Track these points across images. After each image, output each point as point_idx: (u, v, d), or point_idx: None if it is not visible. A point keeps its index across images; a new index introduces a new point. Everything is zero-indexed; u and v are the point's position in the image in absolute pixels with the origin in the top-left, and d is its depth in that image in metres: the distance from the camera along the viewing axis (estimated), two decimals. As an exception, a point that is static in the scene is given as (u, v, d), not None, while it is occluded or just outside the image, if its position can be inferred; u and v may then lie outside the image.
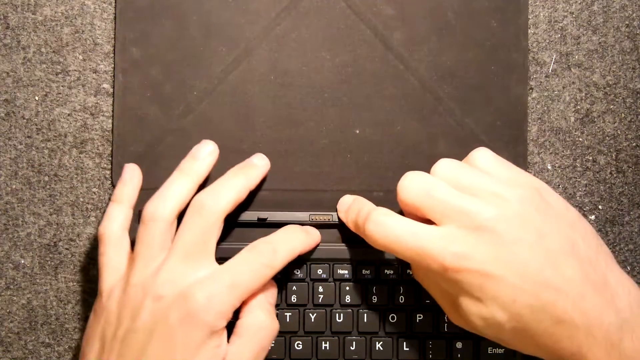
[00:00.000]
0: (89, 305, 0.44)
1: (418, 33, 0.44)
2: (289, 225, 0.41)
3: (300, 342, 0.42)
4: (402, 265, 0.43)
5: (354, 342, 0.42)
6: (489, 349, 0.42)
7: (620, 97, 0.45)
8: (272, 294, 0.40)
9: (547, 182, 0.45)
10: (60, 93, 0.44)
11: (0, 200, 0.44)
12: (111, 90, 0.44)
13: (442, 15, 0.44)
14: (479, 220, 0.35)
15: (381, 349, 0.42)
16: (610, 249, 0.40)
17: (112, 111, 0.44)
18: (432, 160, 0.38)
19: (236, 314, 0.38)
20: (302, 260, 0.42)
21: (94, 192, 0.44)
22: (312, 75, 0.44)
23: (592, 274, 0.34)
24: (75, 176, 0.44)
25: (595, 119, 0.45)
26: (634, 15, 0.45)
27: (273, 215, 0.42)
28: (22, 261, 0.44)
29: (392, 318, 0.42)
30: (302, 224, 0.42)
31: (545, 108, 0.45)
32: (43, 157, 0.44)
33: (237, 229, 0.43)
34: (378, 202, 0.44)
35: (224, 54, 0.44)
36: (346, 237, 0.42)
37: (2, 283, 0.44)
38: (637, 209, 0.45)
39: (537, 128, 0.45)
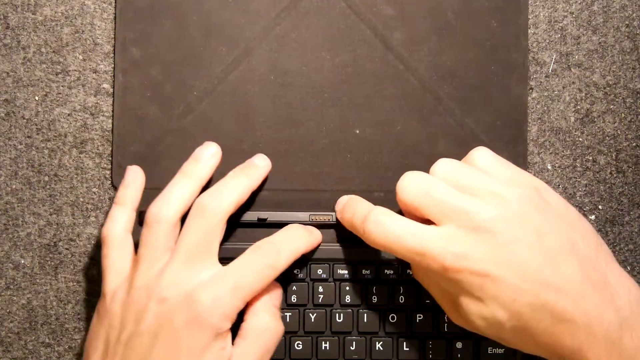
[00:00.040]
0: (89, 305, 0.44)
1: (418, 33, 0.44)
2: (291, 225, 0.41)
3: (300, 342, 0.42)
4: (402, 265, 0.43)
5: (354, 342, 0.42)
6: (489, 349, 0.42)
7: (620, 97, 0.45)
8: (277, 295, 0.40)
9: (547, 182, 0.45)
10: (60, 93, 0.44)
11: (0, 200, 0.44)
12: (111, 90, 0.44)
13: (442, 15, 0.44)
14: (479, 220, 0.35)
15: (381, 349, 0.42)
16: (610, 248, 0.40)
17: (112, 111, 0.44)
18: (432, 160, 0.38)
19: (240, 316, 0.38)
20: (302, 260, 0.42)
21: (94, 192, 0.44)
22: (312, 75, 0.44)
23: (592, 273, 0.34)
24: (75, 176, 0.44)
25: (595, 119, 0.45)
26: (634, 15, 0.45)
27: (273, 216, 0.42)
28: (22, 261, 0.44)
29: (392, 318, 0.42)
30: (302, 224, 0.42)
31: (545, 108, 0.45)
32: (43, 157, 0.44)
33: (237, 229, 0.43)
34: (378, 202, 0.44)
35: (224, 54, 0.44)
36: (346, 237, 0.42)
37: (2, 283, 0.44)
38: (637, 209, 0.45)
39: (537, 128, 0.45)
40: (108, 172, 0.44)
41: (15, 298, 0.44)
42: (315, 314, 0.42)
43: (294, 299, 0.42)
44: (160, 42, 0.44)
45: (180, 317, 0.36)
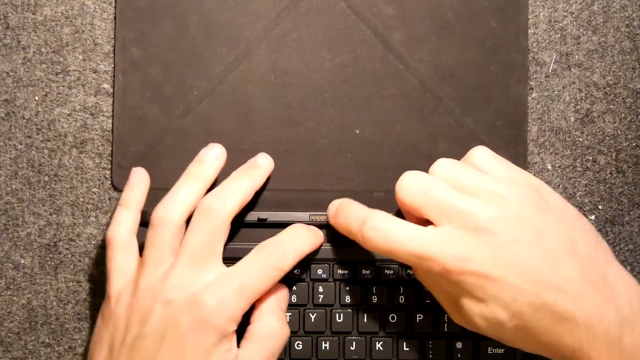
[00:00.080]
0: (89, 305, 0.44)
1: (418, 33, 0.44)
2: (295, 225, 0.41)
3: (300, 342, 0.42)
4: (402, 266, 0.43)
5: (354, 342, 0.42)
6: (489, 349, 0.42)
7: (620, 97, 0.45)
8: (283, 298, 0.40)
9: (547, 182, 0.45)
10: (60, 93, 0.44)
11: (0, 200, 0.44)
12: (111, 90, 0.44)
13: (442, 15, 0.44)
14: (478, 220, 0.35)
15: (381, 349, 0.42)
16: (610, 248, 0.40)
17: (112, 111, 0.44)
18: (432, 160, 0.38)
19: (245, 317, 0.38)
20: (303, 260, 0.42)
21: (94, 192, 0.44)
22: (312, 75, 0.44)
23: (592, 271, 0.34)
24: (75, 176, 0.44)
25: (595, 119, 0.45)
26: (634, 15, 0.45)
27: (273, 216, 0.42)
28: (22, 261, 0.44)
29: (392, 318, 0.42)
30: (302, 224, 0.42)
31: (545, 108, 0.45)
32: (43, 157, 0.44)
33: (237, 229, 0.43)
34: (378, 202, 0.44)
35: (224, 54, 0.44)
36: (346, 237, 0.42)
37: (2, 283, 0.44)
38: (637, 209, 0.45)
39: (537, 128, 0.45)
40: (108, 172, 0.44)
41: (15, 298, 0.44)
42: (315, 314, 0.42)
43: (294, 299, 0.42)
44: (160, 42, 0.44)
45: (185, 319, 0.36)
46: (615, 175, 0.45)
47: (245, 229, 0.43)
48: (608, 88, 0.45)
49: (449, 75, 0.44)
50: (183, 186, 0.40)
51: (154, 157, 0.44)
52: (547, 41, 0.45)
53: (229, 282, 0.37)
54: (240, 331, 0.38)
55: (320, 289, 0.42)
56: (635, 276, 0.45)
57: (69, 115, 0.44)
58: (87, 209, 0.44)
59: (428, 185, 0.36)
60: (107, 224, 0.44)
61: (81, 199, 0.44)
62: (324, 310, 0.42)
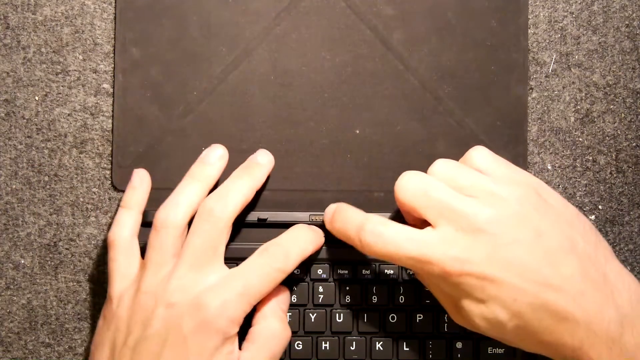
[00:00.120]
0: (89, 305, 0.44)
1: (418, 33, 0.44)
2: (298, 226, 0.41)
3: (300, 342, 0.42)
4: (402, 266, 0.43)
5: (354, 342, 0.42)
6: (489, 349, 0.42)
7: (620, 97, 0.45)
8: (284, 300, 0.40)
9: (547, 182, 0.45)
10: (60, 93, 0.44)
11: (0, 200, 0.44)
12: (111, 90, 0.44)
13: (442, 15, 0.44)
14: (476, 221, 0.35)
15: (381, 349, 0.42)
16: (610, 247, 0.40)
17: (112, 111, 0.44)
18: (432, 160, 0.38)
19: (246, 318, 0.38)
20: (304, 261, 0.42)
21: (94, 192, 0.44)
22: (312, 75, 0.44)
23: (592, 270, 0.34)
24: (75, 176, 0.44)
25: (595, 119, 0.45)
26: (634, 15, 0.45)
27: (273, 216, 0.42)
28: (22, 261, 0.44)
29: (392, 318, 0.42)
30: (302, 224, 0.42)
31: (545, 108, 0.45)
32: (43, 157, 0.44)
33: (237, 229, 0.43)
34: (378, 203, 0.44)
35: (224, 54, 0.44)
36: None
37: (2, 283, 0.44)
38: (637, 209, 0.45)
39: (537, 128, 0.45)
40: (108, 172, 0.44)
41: (15, 298, 0.44)
42: (315, 314, 0.42)
43: (294, 299, 0.42)
44: (160, 42, 0.44)
45: (188, 322, 0.36)
46: (615, 175, 0.45)
47: (246, 229, 0.43)
48: (608, 88, 0.45)
49: (449, 75, 0.44)
50: (185, 188, 0.40)
51: (154, 157, 0.44)
52: (547, 41, 0.45)
53: (232, 285, 0.37)
54: (242, 333, 0.38)
55: (320, 289, 0.42)
56: (635, 276, 0.45)
57: (69, 115, 0.44)
58: (87, 209, 0.44)
59: (427, 186, 0.36)
60: (108, 224, 0.44)
61: (81, 199, 0.44)
62: (324, 310, 0.42)
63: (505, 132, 0.44)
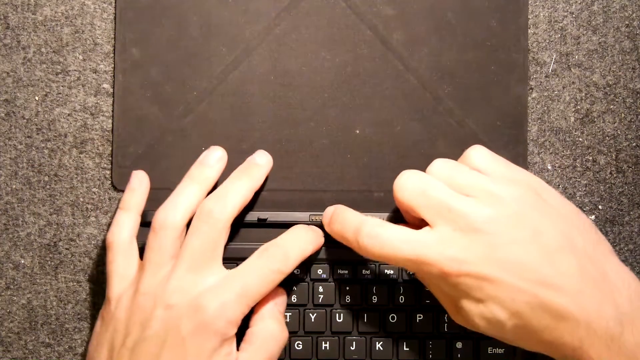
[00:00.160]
0: (89, 305, 0.44)
1: (418, 33, 0.44)
2: (297, 226, 0.41)
3: (300, 342, 0.42)
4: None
5: (354, 342, 0.42)
6: (489, 349, 0.42)
7: (620, 97, 0.45)
8: (282, 301, 0.40)
9: (547, 182, 0.45)
10: (60, 93, 0.44)
11: (0, 200, 0.44)
12: (111, 90, 0.44)
13: (442, 15, 0.44)
14: (474, 221, 0.35)
15: (381, 349, 0.42)
16: (610, 245, 0.40)
17: (112, 111, 0.44)
18: (432, 161, 0.38)
19: (244, 320, 0.38)
20: (304, 261, 0.42)
21: (94, 192, 0.44)
22: (312, 75, 0.44)
23: (591, 268, 0.34)
24: (75, 176, 0.44)
25: (595, 119, 0.45)
26: (634, 15, 0.45)
27: (273, 216, 0.42)
28: (22, 261, 0.44)
29: (392, 318, 0.42)
30: (302, 224, 0.42)
31: (545, 108, 0.45)
32: (43, 157, 0.44)
33: (237, 230, 0.43)
34: (378, 202, 0.44)
35: (224, 54, 0.44)
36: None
37: (2, 283, 0.44)
38: (637, 209, 0.45)
39: (537, 128, 0.45)
40: (108, 172, 0.44)
41: (15, 298, 0.44)
42: (315, 314, 0.42)
43: (294, 299, 0.42)
44: (160, 42, 0.44)
45: (187, 323, 0.36)
46: (615, 175, 0.45)
47: (245, 229, 0.43)
48: (608, 88, 0.45)
49: (449, 75, 0.44)
50: (184, 189, 0.40)
51: (154, 157, 0.44)
52: (547, 41, 0.45)
53: (230, 286, 0.37)
54: (239, 334, 0.38)
55: (320, 289, 0.42)
56: (635, 275, 0.45)
57: (69, 115, 0.44)
58: (87, 209, 0.44)
59: (425, 185, 0.36)
60: (108, 224, 0.44)
61: (81, 199, 0.44)
62: (324, 310, 0.42)
63: (505, 132, 0.44)
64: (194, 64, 0.44)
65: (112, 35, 0.44)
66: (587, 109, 0.45)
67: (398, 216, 0.41)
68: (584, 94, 0.45)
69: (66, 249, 0.44)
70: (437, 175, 0.37)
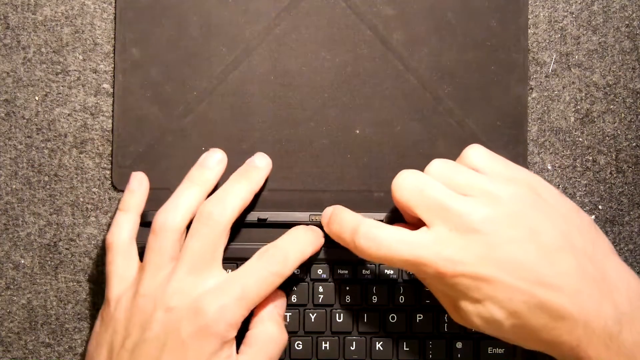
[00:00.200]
0: (89, 305, 0.44)
1: (418, 33, 0.44)
2: (297, 228, 0.41)
3: (300, 342, 0.42)
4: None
5: (354, 342, 0.42)
6: (489, 349, 0.42)
7: (620, 97, 0.45)
8: (281, 304, 0.40)
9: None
10: (60, 93, 0.44)
11: (0, 200, 0.44)
12: (111, 90, 0.44)
13: (442, 15, 0.44)
14: (470, 221, 0.34)
15: (381, 349, 0.42)
16: (610, 243, 0.40)
17: (112, 111, 0.44)
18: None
19: (243, 322, 0.38)
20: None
21: (94, 192, 0.44)
22: (312, 75, 0.44)
23: (589, 267, 0.34)
24: (75, 176, 0.44)
25: (595, 119, 0.45)
26: (634, 15, 0.45)
27: (273, 216, 0.42)
28: (22, 261, 0.44)
29: (392, 318, 0.42)
30: (302, 224, 0.42)
31: (545, 108, 0.45)
32: (43, 157, 0.44)
33: (237, 230, 0.43)
34: (378, 202, 0.44)
35: (224, 54, 0.44)
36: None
37: (2, 283, 0.44)
38: (637, 209, 0.45)
39: (537, 128, 0.45)
40: (108, 172, 0.44)
41: (15, 298, 0.44)
42: (315, 314, 0.42)
43: (294, 299, 0.42)
44: (160, 42, 0.44)
45: (187, 326, 0.36)
46: (615, 175, 0.45)
47: (245, 229, 0.43)
48: (608, 88, 0.45)
49: (449, 75, 0.44)
50: (184, 191, 0.40)
51: (154, 157, 0.44)
52: (547, 41, 0.45)
53: (230, 289, 0.37)
54: (239, 336, 0.38)
55: (320, 289, 0.42)
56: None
57: (69, 115, 0.44)
58: (87, 209, 0.44)
59: (423, 185, 0.36)
60: (107, 224, 0.44)
61: (81, 199, 0.44)
62: (324, 310, 0.42)
63: (505, 132, 0.44)
64: (194, 64, 0.44)
65: (112, 35, 0.44)
66: (587, 109, 0.45)
67: (397, 216, 0.41)
68: (584, 94, 0.45)
69: (66, 249, 0.44)
70: (435, 175, 0.37)
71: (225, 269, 0.39)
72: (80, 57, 0.44)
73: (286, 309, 0.42)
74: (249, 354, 0.37)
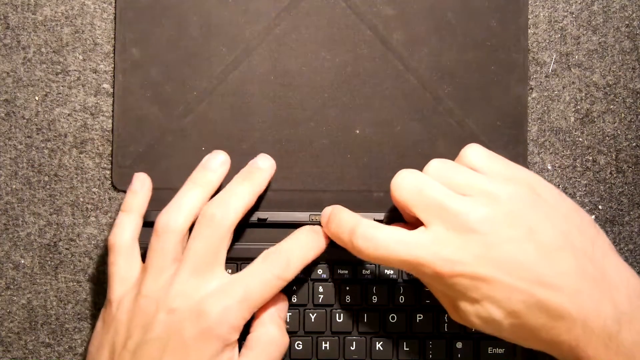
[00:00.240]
0: (89, 305, 0.44)
1: (418, 33, 0.44)
2: (301, 229, 0.40)
3: (300, 342, 0.42)
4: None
5: (354, 342, 0.42)
6: (489, 349, 0.42)
7: (620, 97, 0.45)
8: (283, 307, 0.40)
9: (547, 182, 0.45)
10: (60, 93, 0.44)
11: (0, 200, 0.44)
12: (111, 90, 0.44)
13: (442, 15, 0.44)
14: (468, 221, 0.34)
15: (381, 349, 0.42)
16: (610, 242, 0.39)
17: (112, 111, 0.44)
18: (432, 160, 0.38)
19: (245, 325, 0.38)
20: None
21: (94, 192, 0.44)
22: (312, 75, 0.44)
23: (589, 266, 0.34)
24: (75, 176, 0.44)
25: (595, 119, 0.45)
26: (634, 15, 0.45)
27: (273, 216, 0.42)
28: (22, 261, 0.44)
29: (392, 318, 0.42)
30: (302, 224, 0.42)
31: (545, 108, 0.45)
32: (43, 157, 0.44)
33: (236, 229, 0.43)
34: (378, 202, 0.44)
35: (224, 54, 0.44)
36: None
37: (2, 283, 0.44)
38: (637, 209, 0.45)
39: (537, 128, 0.45)
40: (108, 172, 0.44)
41: (15, 298, 0.44)
42: (315, 314, 0.42)
43: (294, 299, 0.42)
44: (160, 42, 0.44)
45: (189, 328, 0.36)
46: (615, 175, 0.45)
47: (245, 229, 0.43)
48: (608, 88, 0.45)
49: (449, 75, 0.44)
50: (187, 193, 0.40)
51: (154, 157, 0.44)
52: (547, 41, 0.45)
53: (233, 292, 0.37)
54: (240, 339, 0.38)
55: (320, 289, 0.42)
56: (635, 276, 0.45)
57: (69, 115, 0.44)
58: (87, 209, 0.44)
59: (421, 184, 0.36)
60: (107, 224, 0.44)
61: (81, 199, 0.44)
62: (324, 310, 0.42)
63: (505, 132, 0.44)
64: (194, 64, 0.44)
65: (112, 35, 0.44)
66: (587, 109, 0.45)
67: (397, 216, 0.41)
68: (584, 94, 0.45)
69: (66, 249, 0.44)
70: (433, 175, 0.37)
71: (226, 270, 0.39)
72: (80, 57, 0.44)
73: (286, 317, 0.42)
74: (250, 356, 0.37)
